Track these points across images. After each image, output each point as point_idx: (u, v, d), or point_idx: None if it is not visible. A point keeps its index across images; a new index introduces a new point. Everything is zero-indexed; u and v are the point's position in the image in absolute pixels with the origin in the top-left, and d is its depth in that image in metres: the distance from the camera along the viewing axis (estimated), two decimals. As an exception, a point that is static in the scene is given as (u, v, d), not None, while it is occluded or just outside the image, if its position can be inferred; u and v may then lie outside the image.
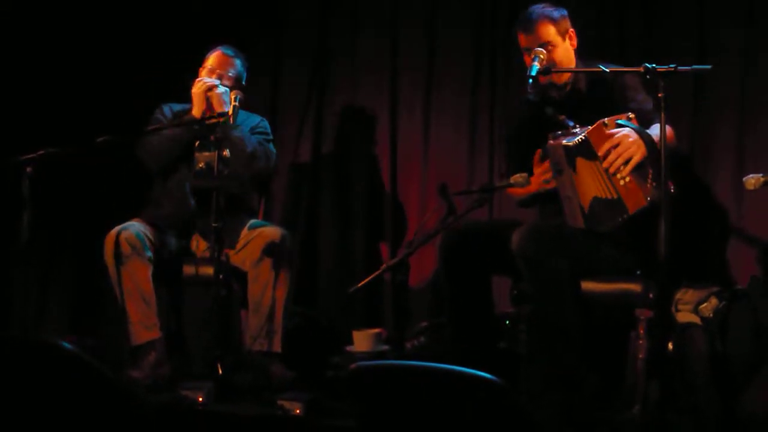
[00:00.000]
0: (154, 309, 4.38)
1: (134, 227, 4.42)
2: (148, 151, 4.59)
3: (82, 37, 5.51)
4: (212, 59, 4.67)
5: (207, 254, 4.53)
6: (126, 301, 4.34)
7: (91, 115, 5.35)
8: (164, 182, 4.64)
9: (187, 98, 4.61)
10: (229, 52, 4.70)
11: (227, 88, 4.53)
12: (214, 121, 4.38)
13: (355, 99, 5.48)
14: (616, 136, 3.72)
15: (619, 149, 3.71)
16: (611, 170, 3.72)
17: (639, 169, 3.73)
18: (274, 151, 4.77)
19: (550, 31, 4.03)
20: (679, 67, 3.53)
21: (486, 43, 5.21)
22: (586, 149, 3.74)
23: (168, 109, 4.74)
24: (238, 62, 4.70)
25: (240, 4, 5.64)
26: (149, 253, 4.37)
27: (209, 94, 4.50)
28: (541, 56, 3.89)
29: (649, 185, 3.73)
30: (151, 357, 4.34)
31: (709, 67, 3.72)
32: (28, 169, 4.17)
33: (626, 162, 3.71)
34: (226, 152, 4.23)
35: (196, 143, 4.38)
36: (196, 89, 4.53)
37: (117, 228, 4.41)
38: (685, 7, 4.75)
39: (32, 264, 5.23)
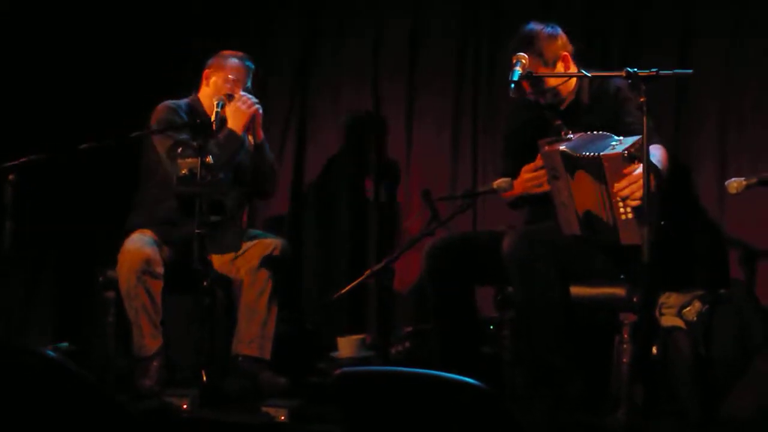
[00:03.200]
0: (159, 320, 4.37)
1: (149, 242, 4.39)
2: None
3: (65, 43, 5.49)
4: (236, 68, 4.60)
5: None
6: (139, 316, 4.32)
7: (74, 122, 5.33)
8: (155, 188, 4.60)
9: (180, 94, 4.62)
10: (250, 64, 4.65)
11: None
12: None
13: (338, 103, 5.48)
14: (637, 172, 3.63)
15: (635, 186, 3.62)
16: (626, 201, 3.65)
17: (640, 208, 3.66)
18: None
19: (536, 65, 3.97)
20: (661, 72, 3.51)
21: (469, 47, 5.22)
22: (595, 168, 3.70)
23: (183, 108, 4.59)
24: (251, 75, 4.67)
25: (224, 8, 5.63)
26: (162, 269, 4.36)
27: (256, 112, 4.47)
28: (523, 61, 3.89)
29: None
30: (155, 364, 4.35)
31: (690, 71, 3.72)
32: (11, 177, 4.16)
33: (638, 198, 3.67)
34: (209, 158, 4.21)
35: (179, 149, 4.36)
36: (246, 108, 4.44)
37: (135, 243, 4.37)
38: (668, 14, 4.76)
39: (15, 271, 5.20)
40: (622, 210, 3.69)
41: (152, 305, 4.32)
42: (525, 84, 3.96)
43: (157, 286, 4.34)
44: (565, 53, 4.05)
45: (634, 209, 3.66)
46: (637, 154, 3.64)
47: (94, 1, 5.53)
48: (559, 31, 4.07)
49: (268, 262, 4.45)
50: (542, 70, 3.98)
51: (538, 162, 3.92)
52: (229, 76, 4.58)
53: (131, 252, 4.34)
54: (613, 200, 3.69)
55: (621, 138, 3.75)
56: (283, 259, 4.51)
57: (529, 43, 3.98)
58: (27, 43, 5.42)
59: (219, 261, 4.56)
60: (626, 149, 3.66)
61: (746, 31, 4.61)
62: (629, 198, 3.65)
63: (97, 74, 5.50)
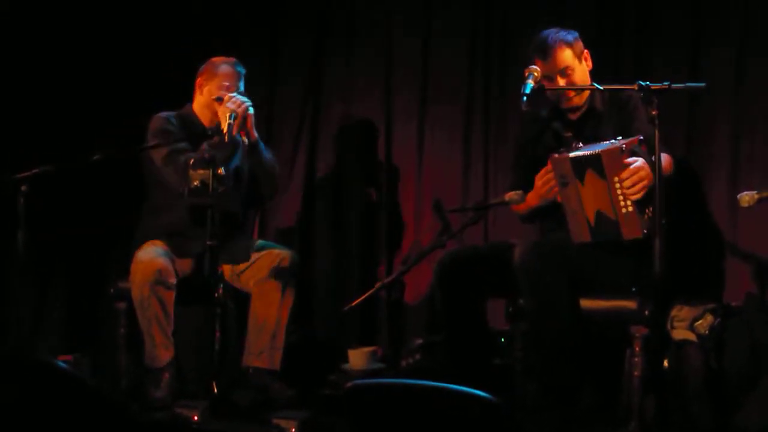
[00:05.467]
0: (171, 330, 4.37)
1: (162, 252, 4.40)
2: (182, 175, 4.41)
3: (74, 53, 5.50)
4: (227, 74, 4.59)
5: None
6: (152, 326, 4.31)
7: (85, 132, 5.34)
8: (161, 199, 4.61)
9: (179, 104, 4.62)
10: (241, 69, 4.63)
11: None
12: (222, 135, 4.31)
13: (350, 113, 5.49)
14: (635, 165, 3.69)
15: (634, 178, 3.68)
16: (624, 194, 3.71)
17: (641, 201, 3.72)
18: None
19: (567, 56, 4.05)
20: (673, 85, 3.54)
21: (480, 57, 5.22)
22: (596, 165, 3.75)
23: (174, 120, 4.61)
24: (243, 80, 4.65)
25: (237, 15, 5.65)
26: (174, 280, 4.36)
27: (244, 113, 4.40)
28: (535, 74, 3.90)
29: (646, 217, 3.72)
30: (167, 375, 4.35)
31: (702, 84, 3.73)
32: (23, 187, 4.17)
33: (637, 191, 3.71)
34: (221, 170, 4.22)
35: (191, 161, 4.37)
36: (236, 108, 4.36)
37: (147, 253, 4.37)
38: (679, 25, 4.76)
39: (27, 282, 5.21)
40: (622, 203, 3.73)
41: (165, 316, 4.32)
42: (563, 82, 4.03)
43: (170, 297, 4.34)
44: (586, 50, 4.12)
45: (635, 203, 3.70)
46: (636, 150, 3.68)
47: (98, 6, 5.54)
48: (577, 34, 4.15)
49: (276, 273, 4.44)
50: (575, 64, 4.05)
51: (549, 167, 3.92)
52: (223, 82, 4.57)
53: (144, 262, 4.34)
54: (614, 195, 3.74)
55: (621, 137, 3.81)
56: (292, 270, 4.49)
57: (561, 42, 4.05)
58: (31, 49, 5.43)
59: (228, 272, 4.56)
60: (624, 144, 3.71)
61: (757, 42, 4.61)
62: (630, 189, 3.69)
63: (104, 83, 5.50)
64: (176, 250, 4.46)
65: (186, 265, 4.49)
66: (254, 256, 4.54)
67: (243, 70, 4.65)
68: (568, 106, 4.11)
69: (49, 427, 3.00)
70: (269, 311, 4.44)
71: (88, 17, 5.51)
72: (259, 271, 4.48)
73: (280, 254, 4.50)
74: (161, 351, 4.33)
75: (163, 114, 4.61)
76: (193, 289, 4.42)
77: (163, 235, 4.49)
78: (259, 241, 4.66)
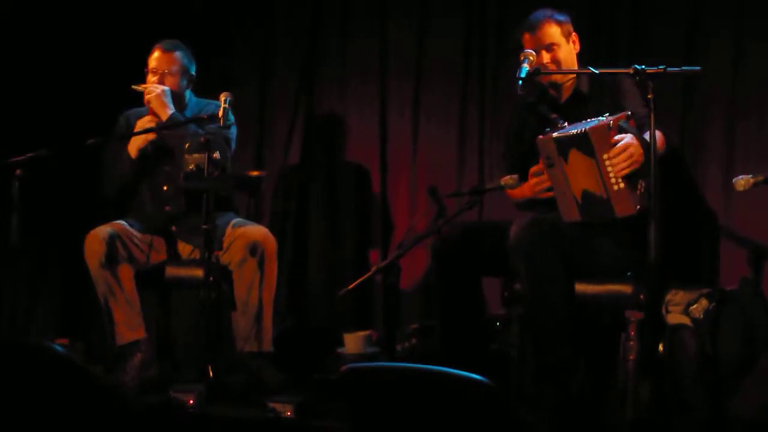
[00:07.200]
0: (137, 309, 4.36)
1: (116, 227, 4.41)
2: (113, 180, 4.60)
3: (72, 39, 5.49)
4: (153, 60, 4.59)
5: (193, 256, 4.52)
6: (109, 302, 4.32)
7: (80, 117, 5.33)
8: (150, 183, 4.61)
9: None
10: (168, 46, 4.61)
11: (166, 89, 4.51)
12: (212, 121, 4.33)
13: (344, 100, 5.48)
14: (624, 141, 3.70)
15: (623, 155, 3.70)
16: (614, 171, 3.71)
17: (632, 177, 3.73)
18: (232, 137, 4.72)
19: (554, 32, 4.09)
20: (669, 69, 3.53)
21: (475, 44, 5.22)
22: (584, 144, 3.75)
23: (133, 119, 4.62)
24: (179, 54, 4.61)
25: (230, 8, 5.63)
26: (130, 253, 4.36)
27: (148, 98, 4.47)
28: (531, 58, 3.90)
29: (638, 192, 3.73)
30: (136, 359, 4.33)
31: (698, 68, 3.72)
32: (18, 172, 4.17)
33: (627, 167, 3.72)
34: (216, 154, 4.22)
35: (186, 145, 4.37)
36: (150, 99, 4.47)
37: (99, 227, 4.40)
38: (674, 10, 4.76)
39: (21, 266, 5.21)
40: (613, 181, 3.73)
41: (121, 291, 4.32)
42: (543, 78, 4.04)
43: (120, 269, 4.36)
44: (575, 33, 4.14)
45: (625, 179, 3.71)
46: (624, 126, 3.68)
47: (98, 3, 5.53)
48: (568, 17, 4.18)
49: (252, 251, 4.42)
50: (561, 42, 4.08)
51: (541, 165, 3.93)
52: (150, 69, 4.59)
53: (89, 237, 4.37)
54: (604, 173, 3.74)
55: (608, 114, 3.80)
56: (268, 247, 4.45)
57: (549, 18, 4.10)
58: (32, 40, 5.42)
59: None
60: (611, 120, 3.72)
61: (753, 25, 4.61)
62: (619, 165, 3.69)
63: (101, 71, 5.50)
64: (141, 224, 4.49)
65: (161, 245, 4.50)
66: (231, 235, 4.49)
67: (170, 47, 4.62)
68: (552, 80, 4.12)
69: (41, 408, 3.00)
70: (251, 293, 4.42)
71: (88, 15, 5.51)
72: (235, 253, 4.45)
73: (253, 233, 4.47)
74: (122, 329, 4.32)
75: (128, 111, 4.68)
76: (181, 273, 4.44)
77: (146, 219, 4.54)
78: (235, 219, 4.62)
